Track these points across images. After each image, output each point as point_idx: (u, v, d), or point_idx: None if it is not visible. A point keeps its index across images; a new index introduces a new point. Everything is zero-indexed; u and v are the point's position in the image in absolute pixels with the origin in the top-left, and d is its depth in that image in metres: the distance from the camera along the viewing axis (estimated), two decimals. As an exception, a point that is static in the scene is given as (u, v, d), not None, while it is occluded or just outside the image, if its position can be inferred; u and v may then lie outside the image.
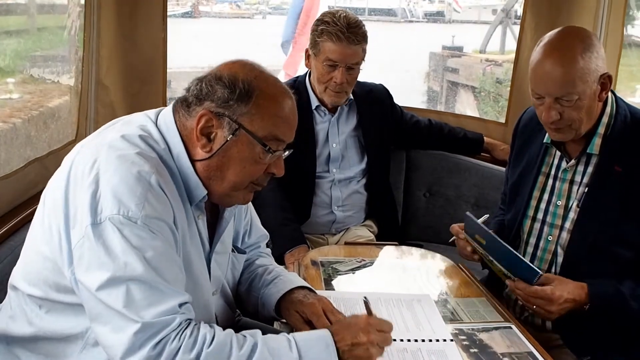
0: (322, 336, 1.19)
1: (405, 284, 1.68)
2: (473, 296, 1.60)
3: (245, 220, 1.56)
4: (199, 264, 1.30)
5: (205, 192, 1.25)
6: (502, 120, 2.81)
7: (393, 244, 1.98)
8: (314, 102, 2.35)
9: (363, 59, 2.26)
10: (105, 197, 1.10)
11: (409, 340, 1.36)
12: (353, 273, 1.71)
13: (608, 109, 1.60)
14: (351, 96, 2.40)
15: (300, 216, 2.29)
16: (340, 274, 1.68)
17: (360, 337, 1.18)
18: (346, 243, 2.17)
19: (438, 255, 1.89)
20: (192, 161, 1.24)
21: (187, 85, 1.26)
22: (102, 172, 1.13)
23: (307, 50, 2.31)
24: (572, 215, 1.62)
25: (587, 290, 1.49)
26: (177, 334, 1.09)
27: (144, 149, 1.19)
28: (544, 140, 1.70)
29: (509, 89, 2.79)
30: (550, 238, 1.67)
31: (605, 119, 1.59)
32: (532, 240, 1.71)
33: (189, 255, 1.25)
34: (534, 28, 2.52)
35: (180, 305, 1.12)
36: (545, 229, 1.68)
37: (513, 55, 2.77)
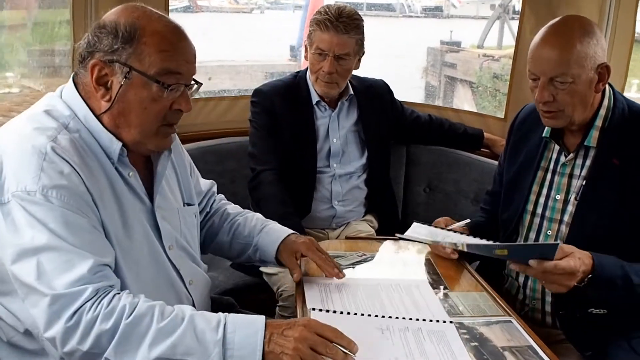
0: (256, 321, 1.15)
1: (406, 277, 1.69)
2: (473, 290, 1.61)
3: (193, 178, 1.60)
4: (138, 221, 1.31)
5: (120, 144, 1.27)
6: (500, 115, 2.82)
7: (393, 238, 1.99)
8: (315, 97, 2.35)
9: (358, 52, 2.26)
10: (7, 177, 1.15)
11: (410, 319, 1.38)
12: (354, 267, 1.72)
13: (606, 102, 1.61)
14: (351, 91, 2.40)
15: (300, 211, 2.29)
16: (341, 268, 1.69)
17: (294, 329, 1.13)
18: (347, 237, 2.18)
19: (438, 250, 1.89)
20: (99, 117, 1.26)
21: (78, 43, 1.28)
22: (4, 154, 1.17)
23: (304, 43, 2.31)
24: (570, 208, 1.63)
25: (592, 260, 1.42)
26: (93, 303, 1.09)
27: (44, 122, 1.22)
28: (543, 135, 1.70)
29: (506, 83, 2.80)
30: (549, 232, 1.68)
31: (602, 112, 1.60)
32: (532, 235, 1.72)
33: (115, 214, 1.25)
34: (533, 23, 2.52)
35: (94, 271, 1.12)
36: (545, 223, 1.69)
37: (510, 51, 2.79)
